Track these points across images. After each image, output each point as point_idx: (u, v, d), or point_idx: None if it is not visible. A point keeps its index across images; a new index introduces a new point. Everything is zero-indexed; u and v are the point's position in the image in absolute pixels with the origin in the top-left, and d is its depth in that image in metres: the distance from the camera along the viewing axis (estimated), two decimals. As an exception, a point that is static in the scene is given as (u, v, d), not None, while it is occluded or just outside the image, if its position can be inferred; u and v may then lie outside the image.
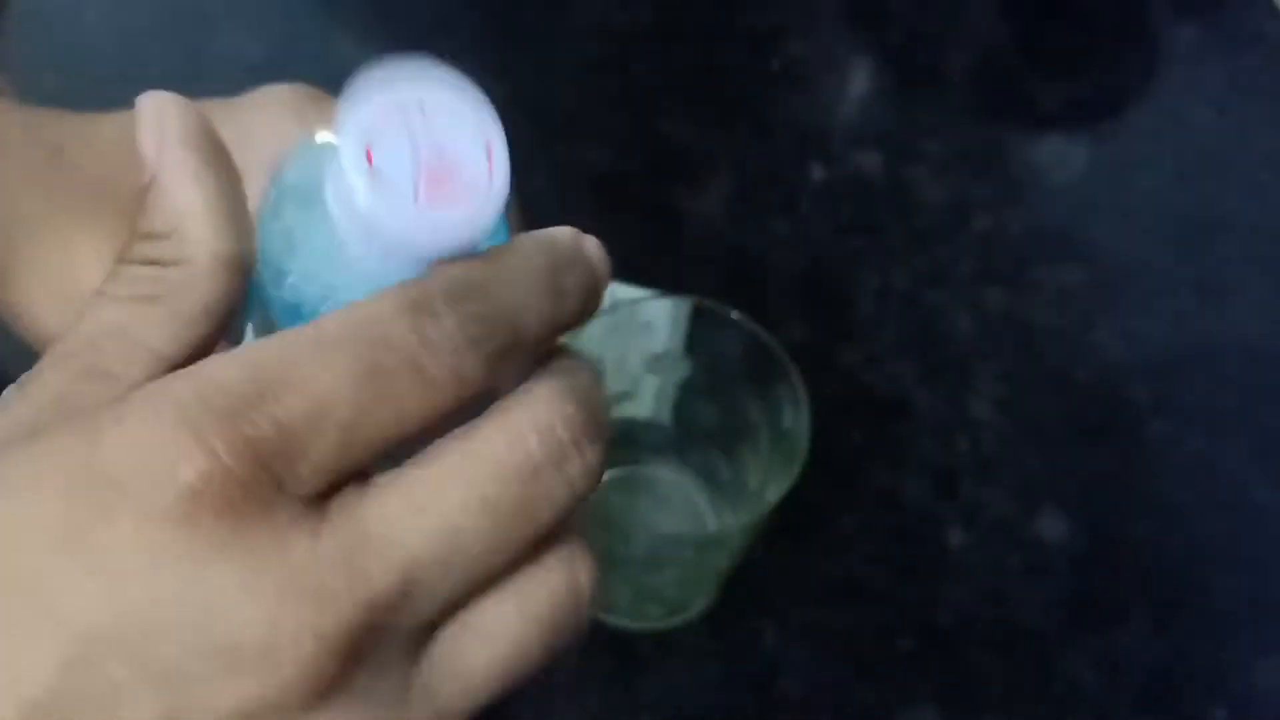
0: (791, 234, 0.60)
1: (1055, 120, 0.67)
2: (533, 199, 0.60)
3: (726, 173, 0.62)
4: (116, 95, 0.33)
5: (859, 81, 0.68)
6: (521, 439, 0.18)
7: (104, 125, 0.31)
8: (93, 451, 0.17)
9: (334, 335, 0.17)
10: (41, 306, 0.30)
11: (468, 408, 0.18)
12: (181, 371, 0.17)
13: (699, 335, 0.45)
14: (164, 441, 0.16)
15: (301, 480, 0.17)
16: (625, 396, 0.48)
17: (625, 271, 0.57)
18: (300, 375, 0.17)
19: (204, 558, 0.16)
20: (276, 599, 0.16)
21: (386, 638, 0.17)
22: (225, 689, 0.16)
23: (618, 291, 0.53)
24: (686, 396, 0.48)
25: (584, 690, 0.47)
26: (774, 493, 0.41)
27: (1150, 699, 0.49)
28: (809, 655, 0.48)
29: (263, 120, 0.30)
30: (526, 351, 0.19)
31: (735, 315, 0.44)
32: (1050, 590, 0.51)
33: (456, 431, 0.18)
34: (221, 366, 0.17)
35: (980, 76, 0.68)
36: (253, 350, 0.17)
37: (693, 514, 0.50)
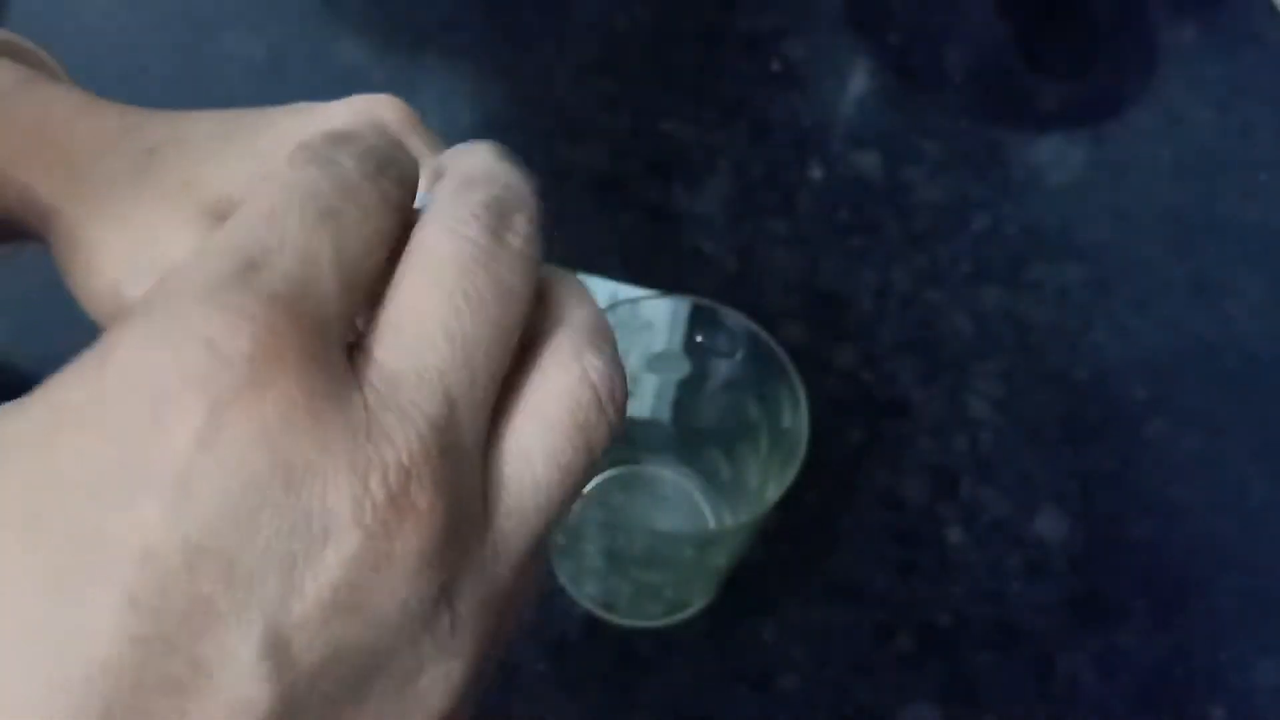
0: (790, 234, 0.60)
1: (1054, 120, 0.67)
2: (532, 199, 0.61)
3: (726, 173, 0.62)
4: (117, 96, 0.33)
5: (858, 82, 0.68)
6: (456, 232, 0.18)
7: (197, 125, 0.33)
8: (101, 374, 0.15)
9: (271, 205, 0.18)
10: (125, 285, 0.31)
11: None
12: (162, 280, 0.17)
13: (699, 335, 0.45)
14: (188, 326, 0.15)
15: (331, 327, 0.17)
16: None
17: (625, 271, 0.57)
18: (272, 239, 0.17)
19: (271, 431, 0.15)
20: (352, 452, 0.16)
21: (457, 468, 0.17)
22: (329, 559, 0.15)
23: (618, 291, 0.53)
24: (686, 396, 0.48)
25: (584, 689, 0.47)
26: (773, 492, 0.41)
27: (1150, 698, 0.49)
28: (808, 654, 0.48)
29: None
30: (414, 179, 0.20)
31: (735, 315, 0.44)
32: (1050, 590, 0.51)
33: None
34: (202, 259, 0.17)
35: (979, 76, 0.68)
36: (213, 241, 0.17)
37: (693, 513, 0.50)
